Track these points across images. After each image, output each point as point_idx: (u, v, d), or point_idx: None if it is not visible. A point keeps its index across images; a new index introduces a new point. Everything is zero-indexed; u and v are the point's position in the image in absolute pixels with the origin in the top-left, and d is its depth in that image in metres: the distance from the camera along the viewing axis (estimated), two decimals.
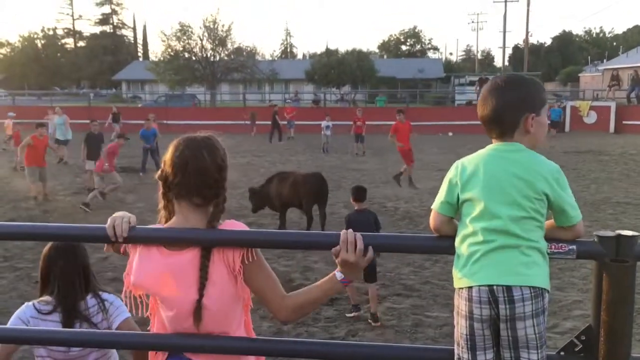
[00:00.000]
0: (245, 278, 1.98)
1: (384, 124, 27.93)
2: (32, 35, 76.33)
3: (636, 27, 75.82)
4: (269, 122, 26.42)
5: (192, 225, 2.00)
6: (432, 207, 2.04)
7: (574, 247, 1.89)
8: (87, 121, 15.47)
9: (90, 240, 2.15)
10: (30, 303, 2.67)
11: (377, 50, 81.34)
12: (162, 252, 1.98)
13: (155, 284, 1.98)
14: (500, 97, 1.99)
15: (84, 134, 13.95)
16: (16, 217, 10.55)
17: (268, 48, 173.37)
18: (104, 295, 2.77)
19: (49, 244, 2.76)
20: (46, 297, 2.68)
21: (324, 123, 22.55)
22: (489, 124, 2.03)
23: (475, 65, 72.69)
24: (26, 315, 2.61)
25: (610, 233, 1.88)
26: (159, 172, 2.06)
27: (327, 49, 58.85)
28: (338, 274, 1.98)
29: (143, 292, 2.05)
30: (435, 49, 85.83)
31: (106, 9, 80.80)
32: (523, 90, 2.00)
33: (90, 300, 2.72)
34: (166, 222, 2.08)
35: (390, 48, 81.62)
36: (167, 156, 2.03)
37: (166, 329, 2.05)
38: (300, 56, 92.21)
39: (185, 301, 1.95)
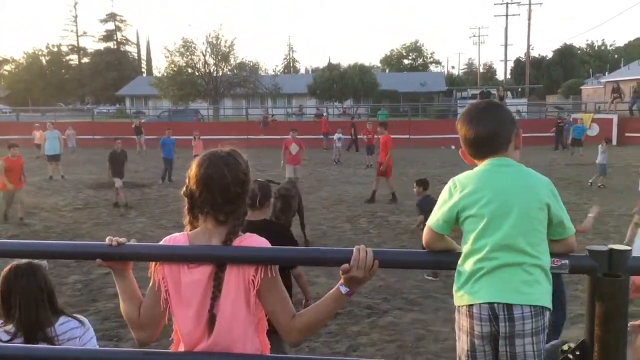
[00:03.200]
0: (260, 294, 1.98)
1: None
2: (36, 52, 76.94)
3: (638, 39, 75.74)
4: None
5: (214, 239, 2.01)
6: (428, 223, 2.07)
7: (567, 261, 1.91)
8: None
9: (92, 257, 2.17)
10: None
11: (379, 64, 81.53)
12: (183, 268, 1.99)
13: (175, 292, 2.00)
14: (495, 116, 2.12)
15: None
16: (19, 233, 10.57)
17: (271, 63, 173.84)
18: (81, 318, 2.70)
19: (9, 266, 2.62)
20: (9, 327, 2.55)
21: (335, 135, 23.67)
22: (485, 141, 2.08)
23: (477, 78, 72.91)
24: None
25: (602, 247, 1.88)
26: (184, 188, 2.07)
27: (330, 63, 59.02)
28: (342, 287, 1.96)
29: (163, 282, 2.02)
30: (437, 62, 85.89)
31: (110, 25, 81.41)
32: (506, 110, 2.21)
33: (66, 324, 2.63)
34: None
35: (392, 62, 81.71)
36: (192, 173, 2.03)
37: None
38: (302, 71, 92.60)
39: (197, 311, 1.97)
